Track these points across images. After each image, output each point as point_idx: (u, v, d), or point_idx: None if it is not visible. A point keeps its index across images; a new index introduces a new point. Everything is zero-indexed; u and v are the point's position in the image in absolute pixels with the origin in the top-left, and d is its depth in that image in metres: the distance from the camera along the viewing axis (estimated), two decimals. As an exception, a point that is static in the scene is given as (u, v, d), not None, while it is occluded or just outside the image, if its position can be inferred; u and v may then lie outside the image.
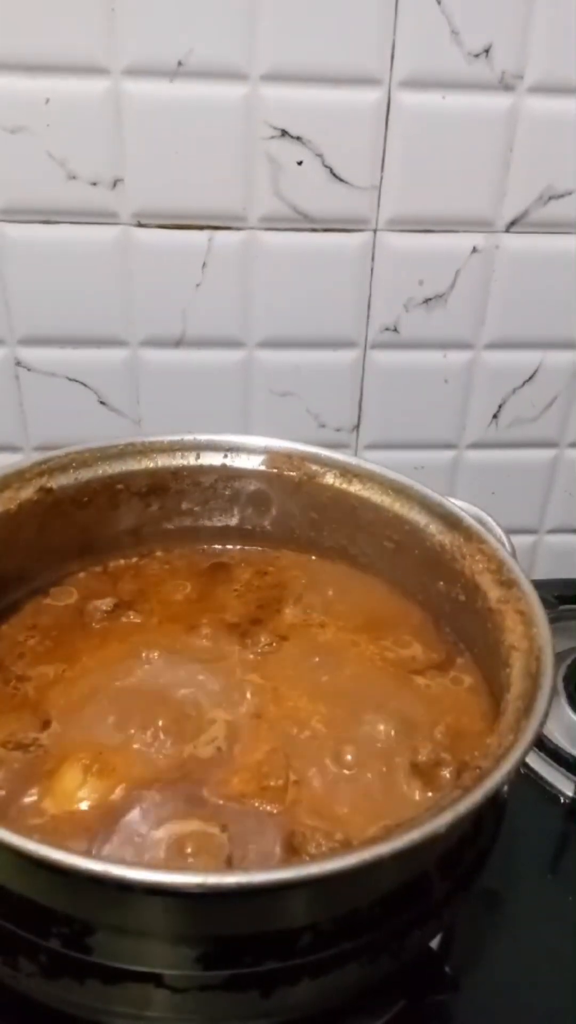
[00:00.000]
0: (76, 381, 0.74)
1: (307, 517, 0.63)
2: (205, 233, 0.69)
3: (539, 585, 0.51)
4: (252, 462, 0.62)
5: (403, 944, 0.43)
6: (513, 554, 0.53)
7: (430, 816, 0.36)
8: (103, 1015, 0.41)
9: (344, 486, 0.60)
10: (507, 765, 0.39)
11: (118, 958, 0.40)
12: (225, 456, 0.62)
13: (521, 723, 0.41)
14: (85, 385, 0.74)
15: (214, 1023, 0.42)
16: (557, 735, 0.69)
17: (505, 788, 0.46)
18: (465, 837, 0.46)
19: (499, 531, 0.55)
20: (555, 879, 0.62)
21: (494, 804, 0.49)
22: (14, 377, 0.73)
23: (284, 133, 0.66)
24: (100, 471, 0.60)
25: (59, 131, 0.64)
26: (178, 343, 0.73)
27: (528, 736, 0.40)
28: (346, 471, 0.60)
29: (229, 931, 0.39)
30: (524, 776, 0.67)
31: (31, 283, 0.69)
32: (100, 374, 0.74)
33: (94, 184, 0.66)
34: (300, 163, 0.67)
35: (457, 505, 0.56)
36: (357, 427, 0.79)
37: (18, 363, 0.73)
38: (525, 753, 0.40)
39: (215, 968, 0.39)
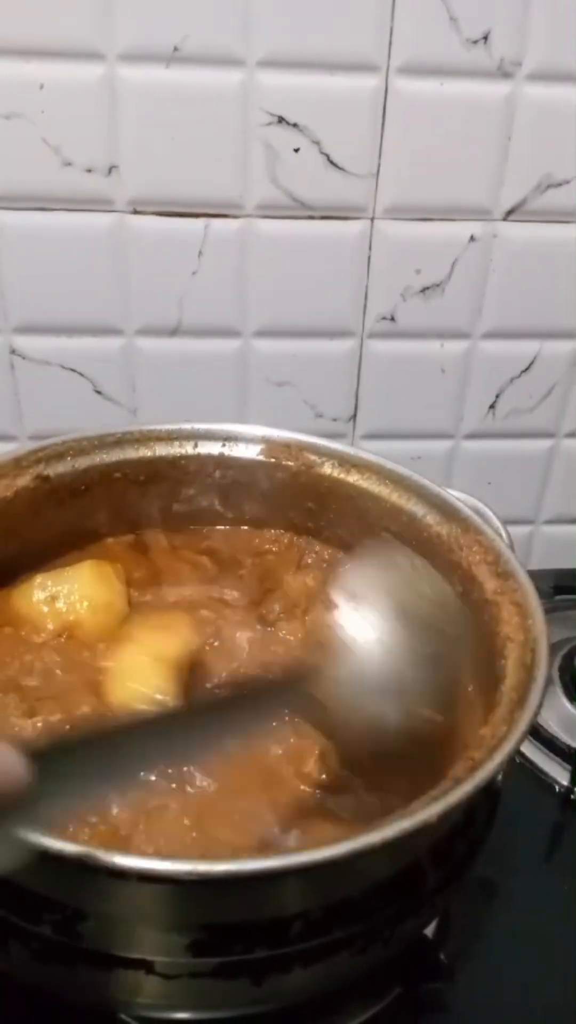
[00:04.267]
0: (71, 370, 0.74)
1: (304, 507, 0.63)
2: (201, 221, 0.68)
3: (535, 575, 0.51)
4: (250, 451, 0.62)
5: (395, 933, 0.43)
6: (511, 545, 0.53)
7: (421, 805, 0.36)
8: (95, 1001, 0.41)
9: (342, 476, 0.60)
10: (500, 756, 0.39)
11: (109, 945, 0.40)
12: (223, 445, 0.62)
13: (515, 714, 0.41)
14: (80, 374, 0.74)
15: (206, 1010, 0.42)
16: (552, 724, 0.69)
17: (499, 777, 0.46)
18: (457, 827, 0.46)
19: (496, 522, 0.55)
20: (550, 867, 0.62)
21: (488, 794, 0.49)
22: (9, 366, 0.73)
23: (281, 120, 0.65)
24: (97, 459, 0.60)
25: (54, 117, 0.63)
26: (174, 332, 0.73)
27: (521, 727, 0.40)
28: (344, 461, 0.60)
29: (220, 919, 0.39)
30: (519, 765, 0.68)
31: (26, 271, 0.69)
32: (95, 363, 0.74)
33: (89, 171, 0.65)
34: (297, 150, 0.66)
35: (455, 496, 0.56)
36: (354, 417, 0.79)
37: (13, 351, 0.72)
38: (518, 744, 0.40)
39: (206, 955, 0.39)
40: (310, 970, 0.40)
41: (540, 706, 0.42)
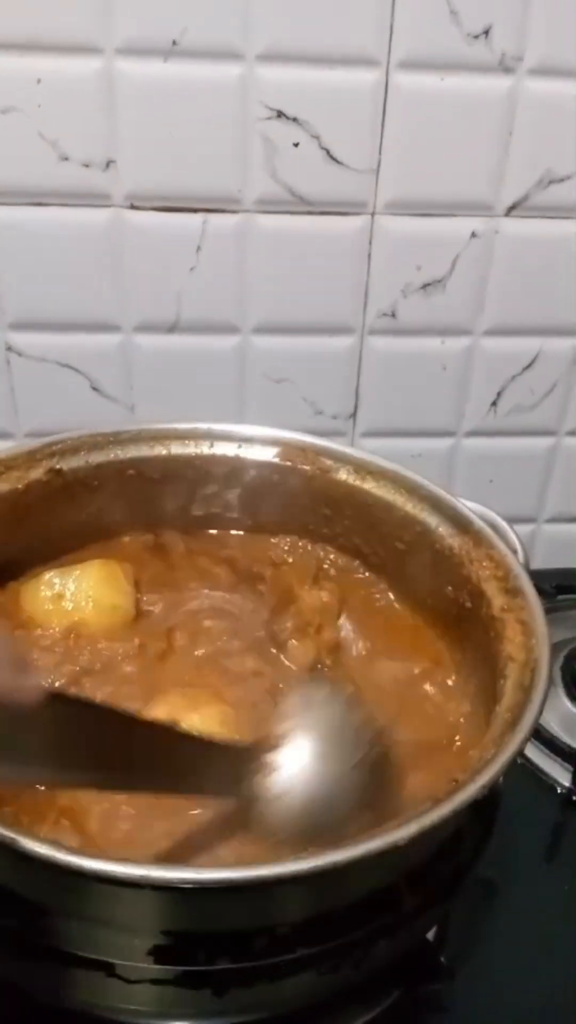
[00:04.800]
0: (68, 367, 0.73)
1: (320, 513, 0.62)
2: (200, 216, 0.68)
3: (537, 575, 0.51)
4: (266, 454, 0.61)
5: (367, 955, 0.41)
6: (526, 562, 0.52)
7: (393, 826, 0.35)
8: (59, 1000, 0.41)
9: (358, 483, 0.59)
10: (482, 780, 0.37)
11: (70, 943, 0.39)
12: (239, 447, 0.61)
13: (506, 736, 0.40)
14: (77, 371, 0.73)
15: (168, 1018, 0.41)
16: (554, 725, 0.69)
17: (501, 781, 0.45)
18: (441, 849, 0.45)
19: (512, 536, 0.54)
20: (551, 868, 0.62)
21: (477, 816, 0.47)
22: (5, 362, 0.72)
23: (280, 114, 0.65)
24: (112, 455, 0.59)
25: (51, 111, 0.63)
26: (172, 328, 0.72)
27: (510, 751, 0.39)
28: (360, 467, 0.59)
29: (181, 926, 0.38)
30: (521, 766, 0.67)
31: (22, 266, 0.68)
32: (93, 360, 0.73)
33: (86, 165, 0.65)
34: (296, 145, 0.66)
35: (470, 507, 0.55)
36: (354, 415, 0.79)
37: (9, 348, 0.72)
38: (503, 769, 0.38)
39: (167, 963, 0.39)
40: (275, 986, 0.39)
41: (532, 731, 0.41)
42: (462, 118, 0.66)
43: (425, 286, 0.73)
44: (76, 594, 0.55)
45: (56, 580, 0.55)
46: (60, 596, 0.55)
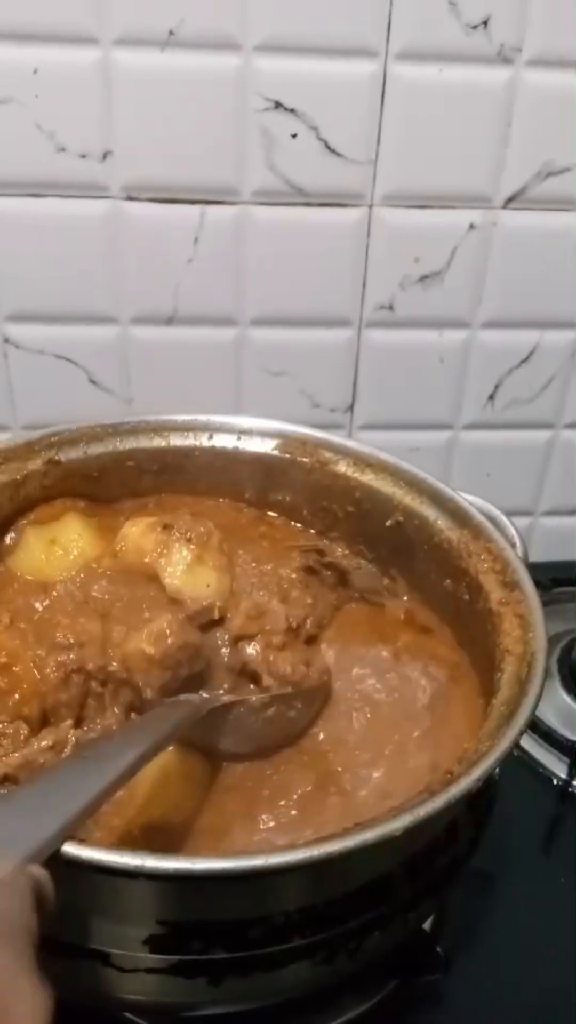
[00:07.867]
0: (65, 359, 0.73)
1: (319, 504, 0.62)
2: (197, 207, 0.67)
3: (534, 568, 0.51)
4: (265, 446, 0.61)
5: (362, 945, 0.42)
6: (525, 556, 0.52)
7: (390, 817, 0.35)
8: (54, 990, 0.41)
9: (357, 475, 0.59)
10: (477, 772, 0.38)
11: (64, 933, 0.39)
12: (238, 439, 0.61)
13: (502, 730, 0.40)
14: (74, 363, 0.73)
15: (163, 1007, 0.42)
16: (550, 717, 0.69)
17: (497, 779, 0.45)
18: (436, 841, 0.45)
19: (512, 530, 0.54)
20: (548, 860, 0.62)
21: (471, 810, 0.48)
22: (2, 355, 0.72)
23: (278, 105, 0.64)
24: (111, 447, 0.59)
25: (48, 102, 0.63)
26: (169, 321, 0.72)
27: (504, 744, 0.39)
28: (359, 460, 0.59)
29: (176, 916, 0.39)
30: (517, 758, 0.67)
31: (18, 258, 0.68)
32: (90, 352, 0.73)
33: (83, 156, 0.65)
34: (294, 136, 0.66)
35: (469, 500, 0.55)
36: (351, 407, 0.79)
37: (6, 340, 0.72)
38: (498, 762, 0.39)
39: (162, 952, 0.39)
40: (271, 975, 0.40)
41: (528, 724, 0.41)
42: (460, 110, 0.66)
43: (423, 278, 0.73)
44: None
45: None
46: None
